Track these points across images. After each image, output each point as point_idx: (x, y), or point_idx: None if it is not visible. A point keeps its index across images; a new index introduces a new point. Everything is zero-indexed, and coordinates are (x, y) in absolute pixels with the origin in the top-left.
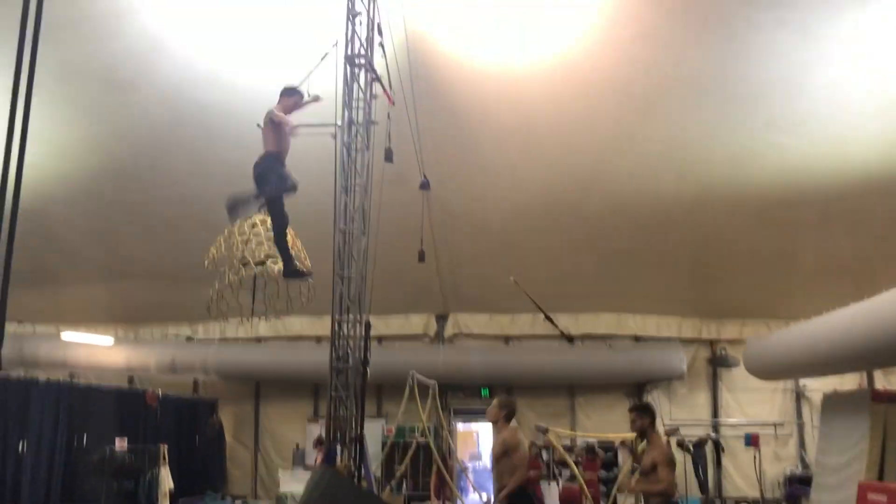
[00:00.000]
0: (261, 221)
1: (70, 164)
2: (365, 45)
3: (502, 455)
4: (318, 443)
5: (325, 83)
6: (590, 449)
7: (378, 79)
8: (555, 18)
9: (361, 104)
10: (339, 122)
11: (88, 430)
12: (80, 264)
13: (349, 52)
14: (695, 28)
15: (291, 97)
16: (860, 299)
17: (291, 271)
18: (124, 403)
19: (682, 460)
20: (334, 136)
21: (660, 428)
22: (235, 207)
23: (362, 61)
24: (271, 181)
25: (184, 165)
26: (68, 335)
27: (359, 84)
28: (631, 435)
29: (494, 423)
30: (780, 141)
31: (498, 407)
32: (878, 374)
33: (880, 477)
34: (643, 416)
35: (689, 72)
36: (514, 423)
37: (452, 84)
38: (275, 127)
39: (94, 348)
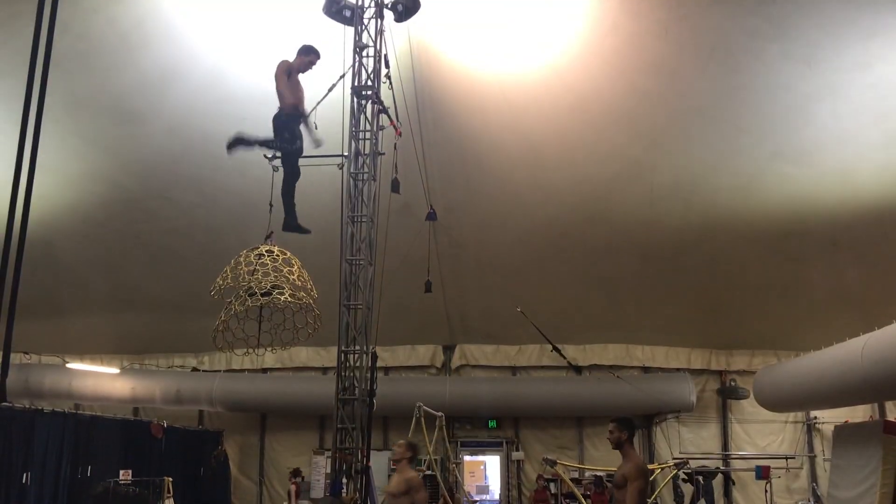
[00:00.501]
0: (267, 251)
1: (77, 195)
2: (372, 77)
3: (404, 494)
4: (294, 475)
5: (332, 114)
6: (598, 482)
7: (385, 110)
8: (561, 50)
9: (368, 135)
10: (346, 153)
11: (93, 461)
12: (86, 294)
13: (356, 83)
14: (701, 60)
15: (308, 55)
16: (870, 330)
17: (292, 226)
18: (129, 434)
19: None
20: (341, 167)
21: (669, 460)
22: (237, 143)
23: (369, 93)
24: (284, 137)
25: (190, 196)
26: (74, 365)
27: (366, 115)
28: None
29: (398, 461)
30: (786, 171)
31: (405, 447)
32: (889, 405)
33: None
34: (622, 428)
35: (696, 102)
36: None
37: (459, 114)
38: (289, 77)
39: (99, 378)
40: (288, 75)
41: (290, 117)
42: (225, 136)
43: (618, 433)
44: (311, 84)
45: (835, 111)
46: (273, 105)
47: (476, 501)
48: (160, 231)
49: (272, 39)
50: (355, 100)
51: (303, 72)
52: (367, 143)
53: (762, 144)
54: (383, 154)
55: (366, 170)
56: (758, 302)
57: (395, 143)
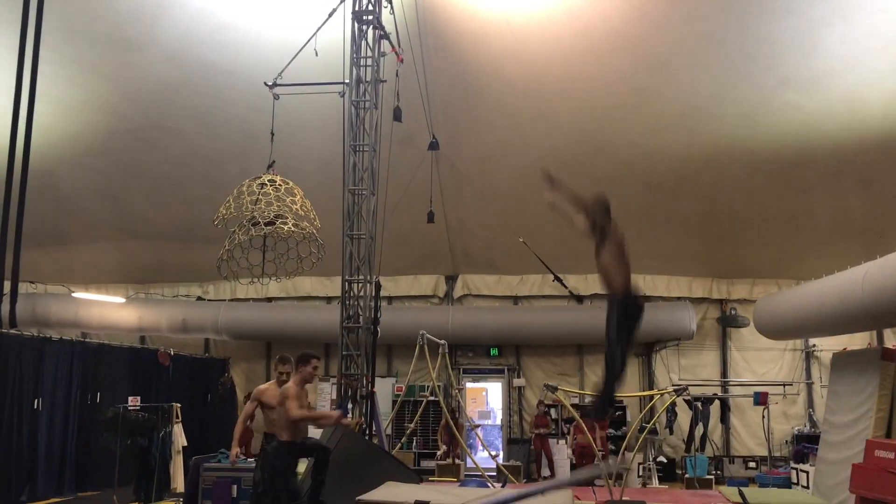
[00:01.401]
0: (269, 181)
1: (78, 124)
2: (373, 2)
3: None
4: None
5: (332, 40)
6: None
7: (386, 36)
8: None
9: (369, 62)
10: (347, 80)
11: (102, 388)
12: (90, 224)
13: (357, 8)
14: None
15: (309, 362)
16: (871, 258)
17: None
18: (137, 362)
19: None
20: (342, 95)
21: (668, 386)
22: None
23: (370, 17)
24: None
25: (192, 125)
26: (79, 294)
27: (367, 41)
28: (641, 394)
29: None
30: (793, 99)
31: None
32: (887, 332)
33: (888, 434)
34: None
35: (702, 28)
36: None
37: (462, 41)
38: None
39: (105, 308)
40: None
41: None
42: (224, 64)
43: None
44: (312, 8)
45: (844, 36)
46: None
47: (478, 426)
48: (162, 161)
49: None
50: (356, 25)
51: (310, 381)
52: (369, 69)
53: (769, 72)
54: (385, 81)
55: (367, 97)
56: (760, 231)
57: (397, 70)
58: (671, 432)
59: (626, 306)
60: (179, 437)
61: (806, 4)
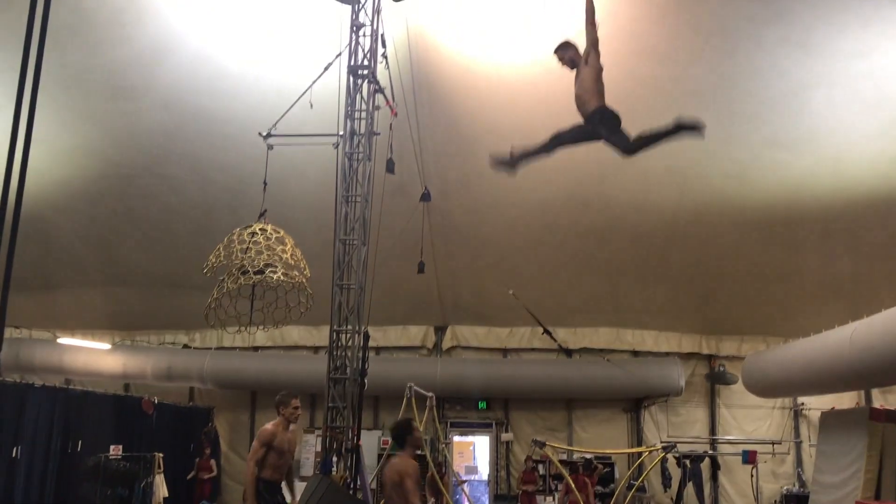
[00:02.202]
0: (260, 230)
1: (70, 170)
2: (368, 57)
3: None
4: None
5: (327, 92)
6: (587, 463)
7: (381, 90)
8: (556, 31)
9: (364, 115)
10: (342, 133)
11: (83, 436)
12: (79, 270)
13: (352, 62)
14: (697, 45)
15: (290, 403)
16: (859, 318)
17: None
18: (120, 410)
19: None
20: (336, 146)
21: (657, 443)
22: None
23: (365, 72)
24: None
25: (183, 172)
26: (65, 340)
27: (361, 95)
28: (629, 450)
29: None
30: (781, 158)
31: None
32: (875, 392)
33: (877, 495)
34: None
35: (691, 87)
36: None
37: (454, 95)
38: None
39: (90, 354)
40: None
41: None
42: (219, 112)
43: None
44: (308, 63)
45: (830, 99)
46: (266, 86)
47: (465, 482)
48: (153, 207)
49: (266, 17)
50: (351, 79)
51: (293, 421)
52: (363, 122)
53: (757, 131)
54: (378, 134)
55: (361, 149)
56: (748, 288)
57: (391, 124)
58: (666, 490)
59: (604, 118)
60: (161, 488)
61: (791, 66)
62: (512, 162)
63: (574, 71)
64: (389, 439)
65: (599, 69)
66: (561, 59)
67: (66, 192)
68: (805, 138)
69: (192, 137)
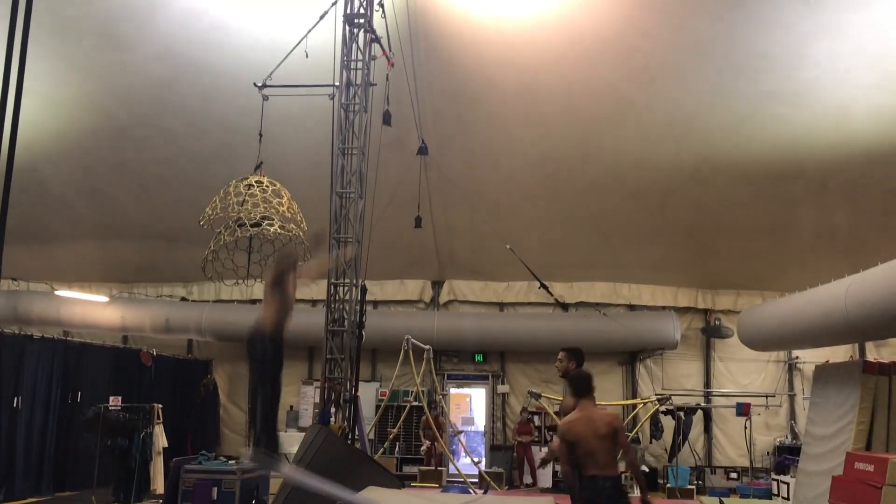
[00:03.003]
0: (256, 182)
1: (65, 122)
2: (364, 5)
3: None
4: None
5: (323, 42)
6: None
7: (377, 39)
8: None
9: (360, 65)
10: (338, 83)
11: (83, 387)
12: (75, 222)
13: (348, 10)
14: None
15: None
16: (855, 272)
17: (268, 452)
18: (119, 362)
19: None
20: (332, 97)
21: (651, 396)
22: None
23: (361, 21)
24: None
25: (179, 124)
26: (62, 293)
27: (357, 44)
28: (624, 402)
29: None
30: (781, 112)
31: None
32: (869, 346)
33: (868, 447)
34: (570, 358)
35: (692, 39)
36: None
37: (453, 46)
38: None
39: (88, 307)
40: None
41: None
42: (214, 64)
43: (566, 362)
44: (303, 10)
45: (832, 51)
46: (261, 36)
47: (461, 432)
48: (148, 160)
49: None
50: (347, 27)
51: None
52: (359, 73)
53: (757, 84)
54: (375, 85)
55: (357, 101)
56: (745, 242)
57: (388, 75)
58: (657, 440)
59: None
60: (160, 439)
61: (795, 18)
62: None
63: None
64: (388, 390)
65: None
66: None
67: (61, 143)
68: (806, 91)
69: (188, 89)
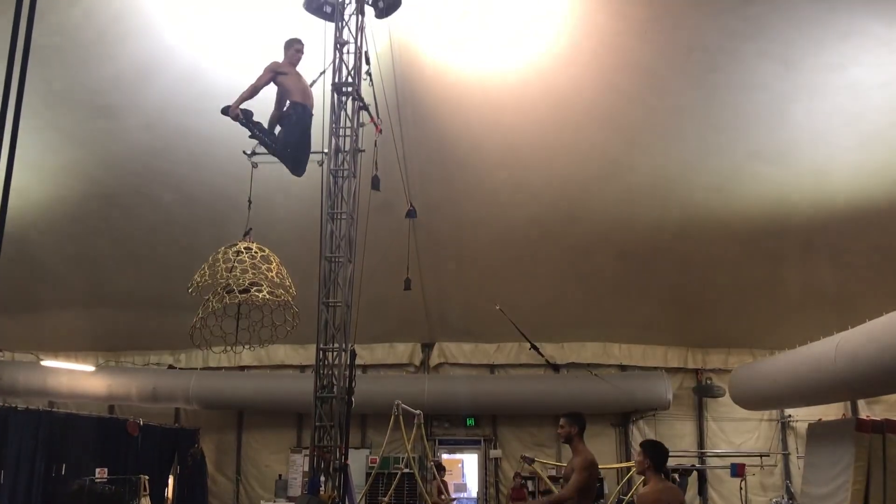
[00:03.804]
0: (245, 248)
1: (53, 190)
2: (352, 74)
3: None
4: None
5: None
6: None
7: (365, 107)
8: (542, 49)
9: (348, 132)
10: (327, 150)
11: (68, 459)
12: (62, 291)
13: (336, 80)
14: (679, 59)
15: (292, 46)
16: (844, 328)
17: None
18: (105, 432)
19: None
20: (321, 164)
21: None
22: (241, 118)
23: (349, 90)
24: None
25: (168, 192)
26: (48, 363)
27: (346, 112)
28: (618, 465)
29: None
30: (763, 171)
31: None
32: (861, 403)
33: None
34: (572, 423)
35: (673, 102)
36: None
37: (439, 111)
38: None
39: (74, 376)
40: (275, 77)
41: (299, 110)
42: (203, 131)
43: (568, 428)
44: None
45: (810, 111)
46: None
47: (454, 500)
48: (137, 227)
49: (251, 36)
50: (335, 96)
51: (294, 64)
52: (348, 139)
53: (738, 144)
54: (363, 151)
55: (346, 166)
56: (733, 301)
57: (376, 140)
58: None
59: None
60: None
61: (773, 80)
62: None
63: None
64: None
65: None
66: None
67: (50, 212)
68: (786, 151)
69: (177, 157)
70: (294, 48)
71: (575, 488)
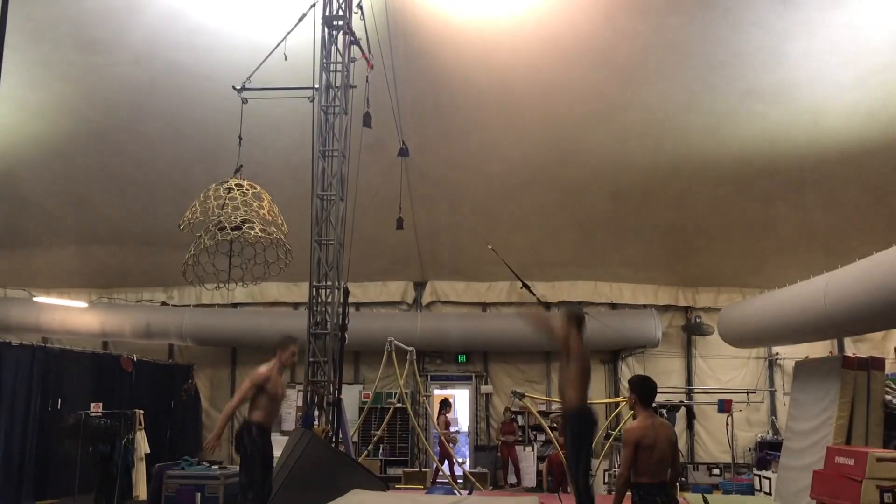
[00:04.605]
0: (236, 185)
1: (42, 127)
2: (343, 7)
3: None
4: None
5: (302, 44)
6: None
7: (356, 41)
8: None
9: (339, 67)
10: (317, 86)
11: (63, 394)
12: (53, 228)
13: (327, 13)
14: None
15: (288, 347)
16: (833, 268)
17: None
18: (99, 368)
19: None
20: (312, 100)
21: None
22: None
23: (340, 23)
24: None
25: (158, 128)
26: (41, 299)
27: (337, 47)
28: (607, 400)
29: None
30: (758, 110)
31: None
32: (848, 341)
33: (848, 441)
34: (631, 391)
35: (669, 38)
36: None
37: (432, 48)
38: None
39: (67, 312)
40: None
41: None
42: (192, 67)
43: (630, 397)
44: (282, 13)
45: (808, 50)
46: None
47: (456, 432)
48: (127, 163)
49: None
50: (326, 30)
51: (288, 366)
52: (339, 75)
53: (734, 83)
54: (355, 87)
55: (337, 103)
56: (725, 240)
57: (367, 77)
58: None
59: (581, 419)
60: (142, 444)
61: (771, 17)
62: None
63: None
64: (371, 393)
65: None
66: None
67: (38, 148)
68: (782, 89)
69: (166, 92)
70: (290, 350)
71: (625, 465)
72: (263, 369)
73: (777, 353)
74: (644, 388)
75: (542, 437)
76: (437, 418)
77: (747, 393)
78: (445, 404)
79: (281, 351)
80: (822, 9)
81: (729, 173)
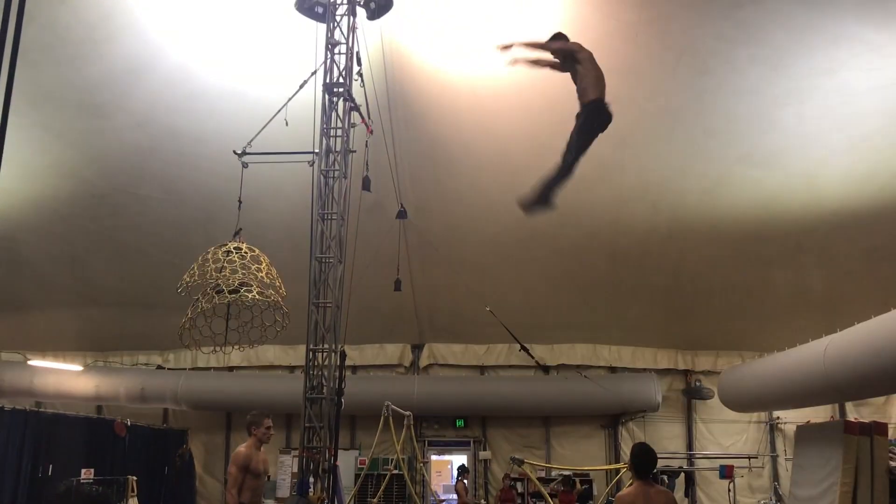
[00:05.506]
0: (235, 248)
1: (41, 189)
2: (344, 75)
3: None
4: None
5: (303, 109)
6: (566, 480)
7: (356, 108)
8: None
9: (339, 132)
10: (317, 150)
11: (54, 459)
12: (50, 290)
13: (328, 80)
14: (670, 62)
15: (262, 423)
16: (832, 331)
17: None
18: (92, 433)
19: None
20: (312, 164)
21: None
22: None
23: (341, 90)
24: None
25: (157, 192)
26: (35, 362)
27: (337, 113)
28: (607, 467)
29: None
30: (753, 174)
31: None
32: (849, 406)
33: None
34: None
35: (664, 104)
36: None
37: (430, 113)
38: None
39: (61, 376)
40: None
41: None
42: (192, 131)
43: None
44: (284, 81)
45: (800, 115)
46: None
47: (443, 501)
48: (126, 227)
49: (242, 36)
50: (327, 97)
51: (266, 441)
52: (339, 140)
53: (729, 147)
54: (354, 152)
55: (337, 167)
56: (723, 303)
57: (367, 141)
58: None
59: (597, 113)
60: None
61: (763, 84)
62: (542, 198)
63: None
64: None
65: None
66: (553, 52)
67: (38, 211)
68: (776, 155)
69: (166, 156)
70: (265, 425)
71: None
72: (243, 449)
73: (778, 417)
74: (635, 458)
75: None
76: (456, 485)
77: (749, 458)
78: (463, 469)
79: (255, 428)
80: (814, 75)
81: (725, 236)
